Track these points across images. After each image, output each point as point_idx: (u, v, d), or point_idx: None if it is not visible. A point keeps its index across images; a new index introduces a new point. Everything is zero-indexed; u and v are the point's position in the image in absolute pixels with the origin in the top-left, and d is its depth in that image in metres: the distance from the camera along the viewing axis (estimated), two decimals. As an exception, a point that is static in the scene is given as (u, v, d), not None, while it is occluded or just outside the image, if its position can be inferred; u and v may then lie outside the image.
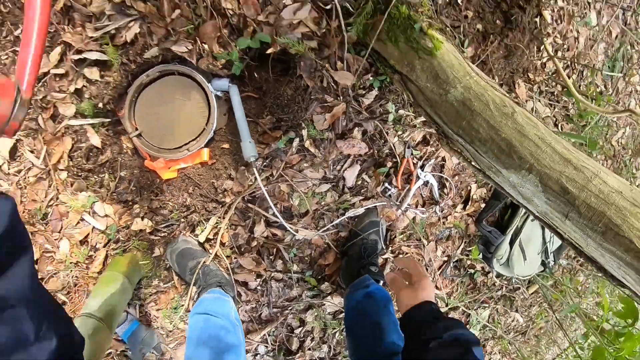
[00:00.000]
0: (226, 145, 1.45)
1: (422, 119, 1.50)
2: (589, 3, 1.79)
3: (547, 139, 0.99)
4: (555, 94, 1.81)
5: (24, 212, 1.39)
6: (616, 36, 1.85)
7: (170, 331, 1.62)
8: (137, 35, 1.30)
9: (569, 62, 1.79)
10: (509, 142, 1.01)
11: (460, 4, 1.49)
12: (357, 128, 1.49)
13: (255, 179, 1.43)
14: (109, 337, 1.27)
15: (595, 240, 0.87)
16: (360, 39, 1.31)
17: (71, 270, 1.45)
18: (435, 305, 1.04)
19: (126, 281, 1.40)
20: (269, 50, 1.30)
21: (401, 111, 1.52)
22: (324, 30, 1.30)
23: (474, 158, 1.17)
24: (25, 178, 1.38)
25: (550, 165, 0.93)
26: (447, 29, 1.40)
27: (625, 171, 1.97)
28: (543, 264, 1.83)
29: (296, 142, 1.44)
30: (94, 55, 1.30)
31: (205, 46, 1.31)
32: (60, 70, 1.33)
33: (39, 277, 1.45)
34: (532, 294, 2.01)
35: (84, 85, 1.35)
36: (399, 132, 1.55)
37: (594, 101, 1.61)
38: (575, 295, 1.78)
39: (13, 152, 1.37)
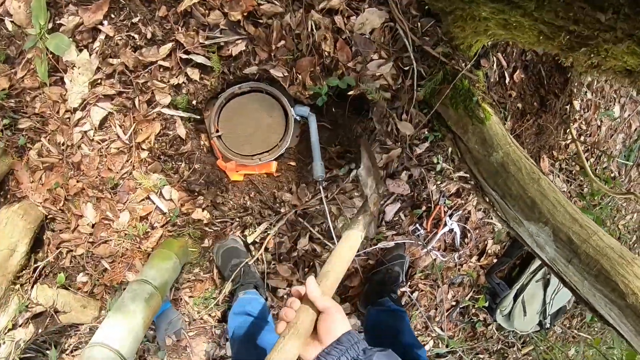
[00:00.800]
0: (293, 163, 1.75)
1: (460, 174, 1.95)
2: (614, 97, 2.30)
3: (562, 201, 1.33)
4: (573, 172, 2.26)
5: (96, 177, 1.68)
6: (635, 129, 2.25)
7: (194, 320, 1.93)
8: (242, 52, 1.60)
9: (589, 147, 2.27)
10: (533, 200, 1.36)
11: (507, 84, 2.00)
12: (405, 171, 1.81)
13: (315, 197, 1.83)
14: (159, 304, 1.49)
15: (589, 281, 1.21)
16: (426, 99, 1.72)
17: (124, 241, 1.73)
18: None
19: (177, 261, 1.63)
20: (351, 92, 1.63)
21: (443, 164, 1.98)
22: (399, 86, 1.64)
23: (502, 210, 1.59)
24: (107, 147, 1.64)
25: (562, 221, 1.29)
26: (495, 103, 1.89)
27: (626, 255, 2.43)
28: (540, 324, 2.15)
29: (354, 172, 1.75)
30: (199, 59, 1.59)
31: (300, 76, 1.70)
32: (167, 64, 1.60)
33: (91, 240, 1.77)
34: (524, 354, 2.42)
35: (183, 82, 1.63)
36: (438, 182, 1.97)
37: (605, 183, 2.11)
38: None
39: (103, 122, 1.63)
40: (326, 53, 1.65)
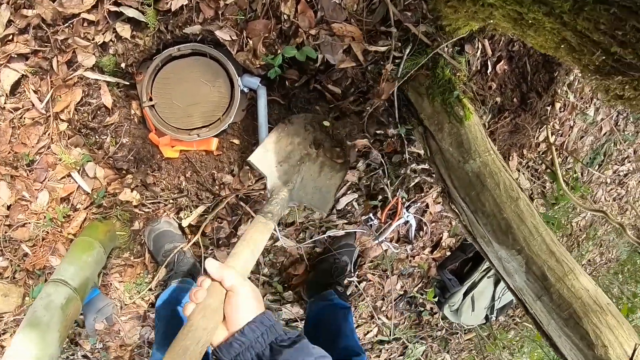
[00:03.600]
0: (236, 141, 1.45)
1: (424, 166, 1.66)
2: (591, 99, 2.05)
3: (540, 229, 1.13)
4: (538, 171, 2.05)
5: (9, 152, 1.35)
6: (604, 133, 2.09)
7: (126, 304, 1.65)
8: (183, 7, 1.25)
9: (557, 147, 2.04)
10: (508, 223, 1.15)
11: (489, 75, 1.66)
12: (362, 159, 1.58)
13: (259, 181, 1.50)
14: (79, 309, 1.23)
15: (558, 323, 1.06)
16: (399, 82, 1.43)
17: (43, 224, 1.42)
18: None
19: (102, 250, 1.35)
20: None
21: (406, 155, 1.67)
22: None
23: (470, 224, 1.33)
24: (21, 118, 1.30)
25: (538, 253, 1.10)
26: (474, 96, 1.56)
27: (576, 251, 2.30)
28: (486, 317, 2.05)
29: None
30: (131, 13, 1.24)
31: (250, 42, 1.34)
32: (92, 17, 1.25)
33: (8, 223, 1.43)
34: (466, 340, 2.28)
35: (111, 40, 1.28)
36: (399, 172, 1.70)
37: (572, 189, 1.88)
38: (509, 352, 2.08)
39: (15, 87, 1.28)
40: (285, 16, 1.27)
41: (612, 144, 2.10)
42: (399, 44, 1.33)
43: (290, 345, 0.68)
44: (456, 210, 1.34)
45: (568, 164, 2.06)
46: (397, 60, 1.33)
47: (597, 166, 2.09)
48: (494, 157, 1.24)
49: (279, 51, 1.33)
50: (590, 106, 1.97)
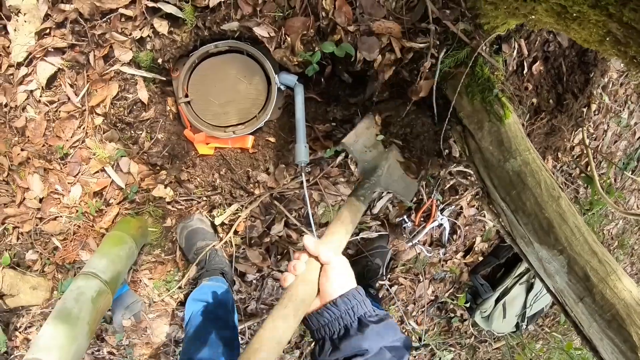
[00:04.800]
0: (272, 139, 1.39)
1: (460, 168, 1.58)
2: (625, 102, 1.95)
3: (582, 228, 1.08)
4: (572, 175, 1.95)
5: (44, 145, 1.31)
6: (638, 138, 2.03)
7: (155, 302, 1.58)
8: (221, 3, 1.21)
9: (592, 151, 1.94)
10: (550, 222, 1.09)
11: (525, 75, 1.57)
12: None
13: (295, 180, 1.43)
14: (109, 302, 1.18)
15: (600, 325, 0.99)
16: (438, 81, 1.36)
17: (75, 218, 1.38)
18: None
19: (133, 245, 1.31)
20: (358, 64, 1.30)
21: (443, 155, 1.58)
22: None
23: (510, 224, 1.24)
24: (56, 111, 1.26)
25: (580, 253, 1.04)
26: (511, 96, 1.48)
27: (606, 260, 2.16)
28: (517, 325, 1.95)
29: (341, 156, 1.41)
30: (169, 9, 1.20)
31: (289, 39, 1.29)
32: (129, 12, 1.22)
33: (40, 216, 1.39)
34: (494, 349, 2.16)
35: (148, 36, 1.24)
36: (435, 174, 1.62)
37: (607, 194, 1.77)
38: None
39: (51, 80, 1.25)
40: (324, 13, 1.20)
41: (646, 150, 1.98)
42: (437, 42, 1.26)
43: (377, 321, 0.68)
44: (495, 211, 1.26)
45: (601, 169, 1.94)
46: (434, 59, 1.26)
47: (630, 172, 1.97)
48: (534, 156, 1.17)
49: (316, 48, 1.27)
50: (624, 109, 1.87)
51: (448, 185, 1.58)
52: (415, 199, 1.61)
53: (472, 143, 1.25)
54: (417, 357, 1.94)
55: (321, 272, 0.74)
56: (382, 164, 1.25)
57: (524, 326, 1.91)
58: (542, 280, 1.19)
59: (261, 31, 1.26)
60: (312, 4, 1.23)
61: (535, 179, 1.12)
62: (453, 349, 2.02)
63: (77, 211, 1.35)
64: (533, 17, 0.98)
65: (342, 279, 0.72)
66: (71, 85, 1.27)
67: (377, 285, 1.72)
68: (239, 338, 1.69)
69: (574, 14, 0.82)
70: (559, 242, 1.06)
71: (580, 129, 1.68)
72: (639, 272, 2.47)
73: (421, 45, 1.27)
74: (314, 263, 0.74)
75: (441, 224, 1.68)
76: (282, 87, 1.36)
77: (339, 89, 1.39)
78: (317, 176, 1.45)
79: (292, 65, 1.32)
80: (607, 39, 0.81)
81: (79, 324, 1.08)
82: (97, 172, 1.35)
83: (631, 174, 1.95)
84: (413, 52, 1.28)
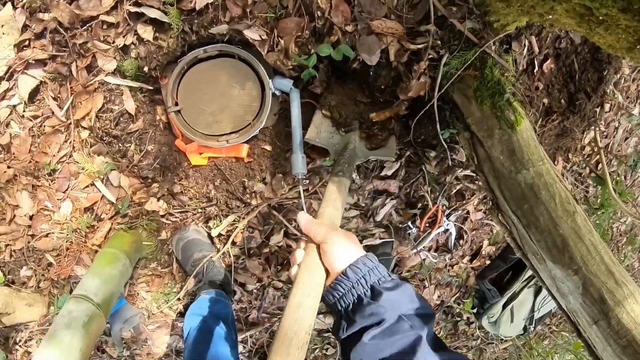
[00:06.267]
0: (268, 148, 1.28)
1: (467, 173, 1.45)
2: (637, 97, 1.79)
3: (598, 246, 0.97)
4: (582, 175, 1.81)
5: (30, 162, 1.20)
6: None
7: (154, 314, 1.49)
8: (208, 5, 1.09)
9: (602, 148, 1.80)
10: (564, 240, 0.98)
11: (535, 74, 1.43)
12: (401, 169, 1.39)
13: (293, 189, 1.32)
14: (102, 326, 1.09)
15: (615, 350, 0.91)
16: (442, 83, 1.22)
17: (67, 235, 1.27)
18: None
19: (127, 262, 1.21)
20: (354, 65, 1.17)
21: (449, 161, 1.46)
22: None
23: (521, 239, 1.12)
24: (41, 126, 1.15)
25: (596, 273, 0.93)
26: (522, 97, 1.34)
27: (616, 256, 2.03)
28: (524, 328, 1.85)
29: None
30: (153, 13, 1.09)
31: (282, 41, 1.16)
32: (111, 19, 1.10)
33: (31, 233, 1.29)
34: (502, 349, 2.07)
35: (133, 43, 1.12)
36: (441, 180, 1.50)
37: (619, 195, 1.64)
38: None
39: (34, 94, 1.14)
40: (319, 13, 1.07)
41: (658, 147, 1.84)
42: (439, 42, 1.12)
43: (392, 287, 0.61)
44: (505, 224, 1.13)
45: (612, 167, 1.80)
46: (436, 61, 1.13)
47: (640, 169, 1.83)
48: (548, 167, 1.04)
49: (312, 51, 1.14)
50: (635, 105, 1.72)
51: (454, 191, 1.46)
52: (420, 204, 1.49)
53: (482, 151, 1.12)
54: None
55: (320, 252, 0.68)
56: (351, 138, 1.18)
57: (532, 328, 1.80)
58: (554, 297, 1.08)
59: (252, 34, 1.13)
60: (307, 4, 1.10)
61: (549, 192, 1.00)
62: (459, 351, 1.92)
63: (69, 227, 1.25)
64: (550, 16, 0.84)
65: (344, 250, 0.66)
66: (54, 99, 1.16)
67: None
68: (240, 346, 1.61)
69: (600, 17, 0.71)
70: (574, 261, 0.96)
71: (592, 128, 1.54)
72: (648, 268, 2.34)
73: (419, 46, 1.13)
74: (311, 246, 0.70)
75: (447, 229, 1.56)
76: (277, 93, 1.23)
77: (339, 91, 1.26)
78: (317, 185, 1.34)
79: (286, 69, 1.19)
80: (638, 46, 0.70)
81: (72, 352, 0.99)
82: (86, 186, 1.24)
83: (641, 171, 1.82)
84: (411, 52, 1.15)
